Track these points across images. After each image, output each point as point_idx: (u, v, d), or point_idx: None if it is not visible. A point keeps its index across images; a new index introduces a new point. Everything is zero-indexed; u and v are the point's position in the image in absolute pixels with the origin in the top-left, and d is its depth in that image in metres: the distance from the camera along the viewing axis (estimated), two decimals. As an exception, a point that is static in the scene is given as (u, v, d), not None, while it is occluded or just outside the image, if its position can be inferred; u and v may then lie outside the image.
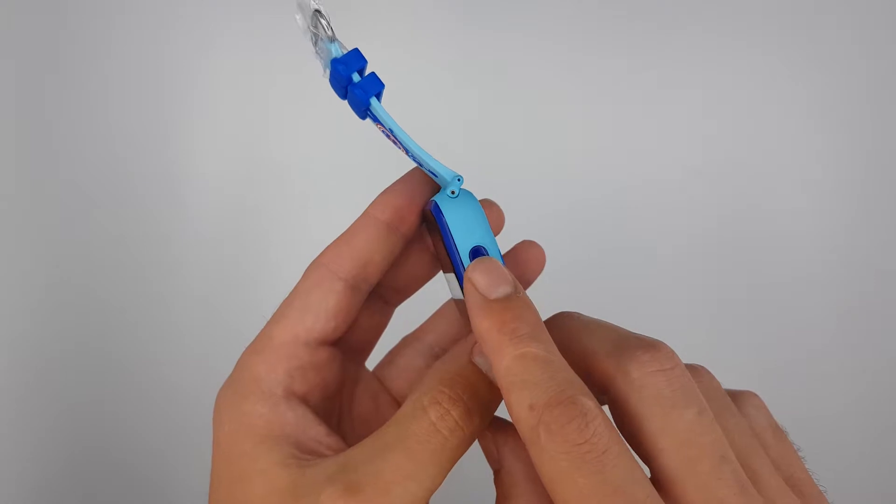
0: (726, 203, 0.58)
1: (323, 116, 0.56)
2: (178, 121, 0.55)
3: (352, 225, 0.28)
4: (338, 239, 0.28)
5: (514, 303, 0.23)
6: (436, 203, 0.26)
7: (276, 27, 0.55)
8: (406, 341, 0.32)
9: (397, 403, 0.31)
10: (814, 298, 0.57)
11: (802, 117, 0.58)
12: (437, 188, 0.28)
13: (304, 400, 0.26)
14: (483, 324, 0.23)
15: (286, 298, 0.27)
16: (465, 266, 0.25)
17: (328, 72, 0.26)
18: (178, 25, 0.55)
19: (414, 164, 0.27)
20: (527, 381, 0.21)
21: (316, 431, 0.26)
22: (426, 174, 0.27)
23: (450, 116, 0.56)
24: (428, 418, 0.23)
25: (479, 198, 0.29)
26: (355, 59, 0.25)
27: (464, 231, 0.26)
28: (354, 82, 0.25)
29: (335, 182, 0.54)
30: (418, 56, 0.57)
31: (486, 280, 0.23)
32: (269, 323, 0.27)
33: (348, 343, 0.29)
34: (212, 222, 0.55)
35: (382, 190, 0.28)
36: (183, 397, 0.51)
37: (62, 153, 0.53)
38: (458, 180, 0.26)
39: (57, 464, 0.51)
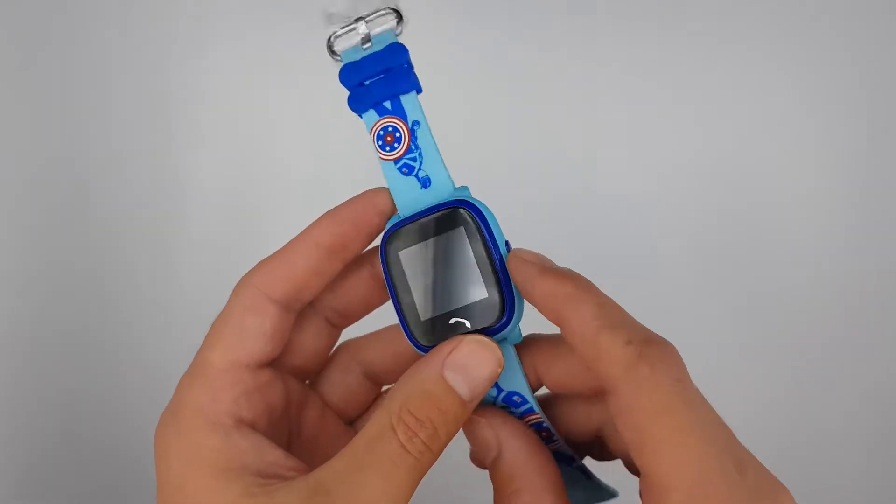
0: (726, 203, 0.57)
1: (325, 117, 0.56)
2: (178, 120, 0.55)
3: (289, 245, 0.27)
4: (272, 259, 0.27)
5: (571, 270, 0.25)
6: (479, 209, 0.25)
7: (278, 26, 0.56)
8: (340, 350, 0.31)
9: (341, 419, 0.30)
10: (814, 300, 0.56)
11: (803, 117, 0.57)
12: (387, 213, 0.27)
13: (252, 426, 0.25)
14: (549, 283, 0.24)
15: (217, 321, 0.26)
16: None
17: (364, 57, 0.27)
18: (178, 25, 0.56)
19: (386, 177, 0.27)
20: (620, 322, 0.22)
21: (274, 455, 0.25)
22: (377, 196, 0.27)
23: (445, 114, 0.56)
24: (397, 440, 0.23)
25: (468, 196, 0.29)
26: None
27: (498, 231, 0.26)
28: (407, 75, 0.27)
29: (336, 183, 0.55)
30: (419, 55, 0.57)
31: (537, 256, 0.25)
32: (203, 348, 0.26)
33: (292, 365, 0.29)
34: (211, 222, 0.55)
35: (328, 210, 0.27)
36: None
37: (61, 151, 0.54)
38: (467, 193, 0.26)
39: (51, 459, 0.51)
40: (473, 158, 0.55)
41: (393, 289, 0.26)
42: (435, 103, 0.56)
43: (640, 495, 0.22)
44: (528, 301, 0.25)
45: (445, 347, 0.24)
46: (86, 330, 0.53)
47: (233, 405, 0.25)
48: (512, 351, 0.26)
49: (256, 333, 0.26)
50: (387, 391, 0.31)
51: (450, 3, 0.57)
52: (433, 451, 0.23)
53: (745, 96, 0.57)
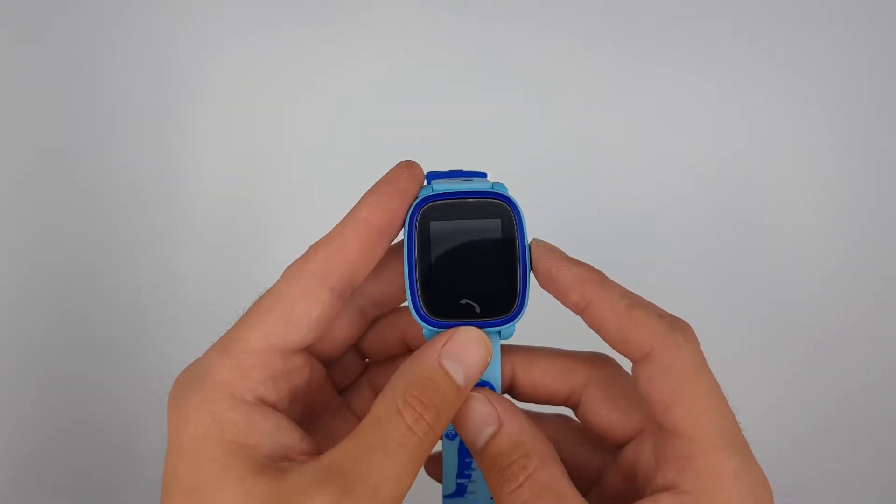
0: (729, 208, 0.57)
1: (323, 117, 0.57)
2: (177, 119, 0.56)
3: (342, 228, 0.27)
4: (327, 243, 0.26)
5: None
6: (518, 208, 0.27)
7: (276, 26, 0.56)
8: None
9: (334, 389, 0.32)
10: (817, 306, 0.56)
11: (813, 121, 0.57)
12: (421, 185, 0.28)
13: (274, 406, 0.26)
14: (579, 268, 0.26)
15: (264, 299, 0.26)
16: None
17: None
18: (177, 26, 0.56)
19: (402, 160, 0.28)
20: (646, 301, 0.26)
21: (290, 438, 0.26)
22: (413, 168, 0.28)
23: (447, 112, 0.57)
24: (404, 422, 0.24)
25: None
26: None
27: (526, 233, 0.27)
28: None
29: (335, 181, 0.54)
30: (418, 52, 0.57)
31: (557, 248, 0.28)
32: (243, 324, 0.26)
33: (319, 350, 0.29)
34: (210, 220, 0.56)
35: (369, 189, 0.27)
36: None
37: (60, 151, 0.54)
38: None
39: (50, 456, 0.52)
40: (473, 160, 0.55)
41: (413, 255, 0.27)
42: (439, 104, 0.57)
43: (656, 452, 0.26)
44: (549, 284, 0.27)
45: (440, 339, 0.26)
46: (87, 326, 0.54)
47: (259, 385, 0.25)
48: (498, 345, 0.28)
49: (303, 321, 0.26)
50: (370, 365, 0.33)
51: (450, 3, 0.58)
52: (436, 433, 0.25)
53: (751, 103, 0.58)
